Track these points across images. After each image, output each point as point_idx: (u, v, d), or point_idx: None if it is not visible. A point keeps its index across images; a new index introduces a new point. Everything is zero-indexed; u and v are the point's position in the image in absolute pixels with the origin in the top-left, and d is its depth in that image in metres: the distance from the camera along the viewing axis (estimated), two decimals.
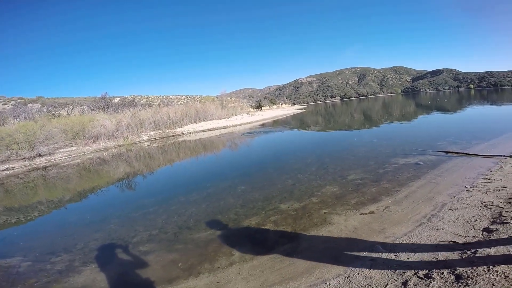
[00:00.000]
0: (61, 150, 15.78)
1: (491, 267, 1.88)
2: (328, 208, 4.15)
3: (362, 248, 2.77)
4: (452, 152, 6.32)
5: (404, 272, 2.12)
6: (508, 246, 2.15)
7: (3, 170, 12.25)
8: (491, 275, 1.80)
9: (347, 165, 6.62)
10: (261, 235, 3.60)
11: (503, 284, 1.69)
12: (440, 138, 8.51)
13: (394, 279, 2.07)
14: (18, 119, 20.39)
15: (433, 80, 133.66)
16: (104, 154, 15.62)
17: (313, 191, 5.04)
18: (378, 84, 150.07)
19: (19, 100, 39.85)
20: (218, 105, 32.49)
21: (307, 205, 4.40)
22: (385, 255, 2.50)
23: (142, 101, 42.27)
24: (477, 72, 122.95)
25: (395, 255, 2.45)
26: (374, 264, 2.38)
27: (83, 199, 7.16)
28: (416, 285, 1.92)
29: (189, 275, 2.88)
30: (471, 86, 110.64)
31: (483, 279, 1.77)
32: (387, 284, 2.02)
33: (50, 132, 15.29)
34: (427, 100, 40.61)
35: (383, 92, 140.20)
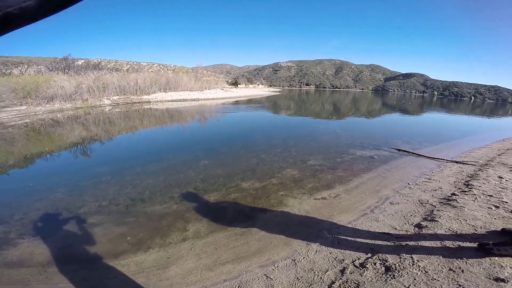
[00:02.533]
0: (8, 109, 13.91)
1: (415, 261, 2.13)
2: (285, 190, 4.30)
3: (310, 232, 2.94)
4: (403, 151, 6.89)
5: (343, 260, 2.31)
6: (432, 241, 2.44)
7: None
8: (414, 269, 2.04)
9: (309, 150, 6.86)
10: (218, 212, 3.61)
11: (422, 279, 1.93)
12: (396, 136, 9.22)
13: (334, 266, 2.24)
14: None
15: (403, 83, 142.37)
16: (58, 115, 14.13)
17: (274, 172, 5.16)
18: (352, 79, 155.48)
19: None
20: (192, 76, 30.97)
21: (267, 185, 4.50)
22: (329, 242, 2.68)
23: (109, 65, 38.64)
24: (444, 81, 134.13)
25: (338, 242, 2.65)
26: (318, 249, 2.54)
27: (28, 164, 6.38)
28: (352, 273, 2.10)
29: (137, 250, 2.79)
30: (435, 93, 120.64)
31: (407, 273, 2.01)
32: (327, 270, 2.19)
33: None
34: (393, 101, 43.34)
35: (355, 87, 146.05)
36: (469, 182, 4.24)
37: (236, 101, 25.24)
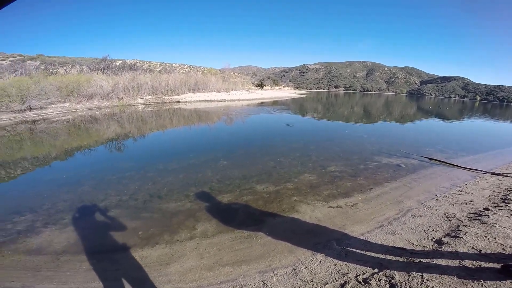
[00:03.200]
0: (53, 106, 15.41)
1: (425, 280, 1.92)
2: (300, 196, 4.18)
3: (318, 241, 2.81)
4: (435, 160, 6.35)
5: (346, 274, 2.18)
6: (449, 259, 2.19)
7: None
8: None
9: (331, 156, 6.63)
10: (229, 213, 3.62)
11: None
12: (429, 144, 8.53)
13: (335, 279, 2.12)
14: (14, 75, 19.60)
15: (441, 86, 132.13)
16: (97, 112, 15.35)
17: (290, 176, 5.06)
18: (385, 82, 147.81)
19: (18, 57, 38.29)
20: (219, 78, 31.74)
21: (281, 189, 4.42)
22: (336, 253, 2.54)
23: (143, 66, 41.06)
24: (488, 85, 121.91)
25: (345, 254, 2.50)
26: (323, 260, 2.42)
27: (65, 157, 6.97)
28: None
29: (146, 244, 2.90)
30: (478, 97, 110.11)
31: None
32: (327, 283, 2.08)
33: (44, 88, 14.85)
34: (429, 105, 40.34)
35: (388, 90, 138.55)
36: (508, 196, 3.78)
37: (261, 103, 25.30)
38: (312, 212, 3.58)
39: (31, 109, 14.01)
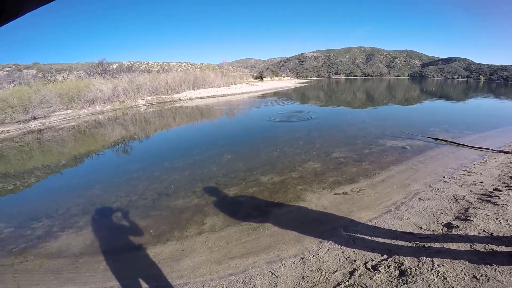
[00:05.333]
0: (56, 113, 15.54)
1: (435, 266, 1.91)
2: (305, 184, 4.20)
3: (325, 230, 2.82)
4: (441, 140, 6.27)
5: (354, 261, 2.19)
6: (460, 243, 2.18)
7: None
8: (432, 275, 1.84)
9: (335, 142, 6.61)
10: (235, 206, 3.67)
11: (438, 286, 1.73)
12: (434, 124, 8.41)
13: (344, 266, 2.13)
14: (12, 85, 19.75)
15: (443, 68, 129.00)
16: (100, 117, 15.45)
17: (295, 165, 5.08)
18: (385, 66, 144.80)
19: (14, 66, 38.40)
20: (218, 73, 31.54)
21: (286, 179, 4.45)
22: (343, 240, 2.55)
23: (141, 67, 40.98)
24: (491, 65, 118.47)
25: (353, 241, 2.51)
26: (331, 248, 2.44)
27: (74, 163, 7.09)
28: (361, 275, 1.98)
29: (157, 242, 2.96)
30: (481, 77, 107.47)
31: (422, 279, 1.82)
32: (335, 271, 2.09)
33: (45, 96, 14.94)
34: (432, 87, 39.55)
35: (389, 74, 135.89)
36: None
37: (263, 95, 25.13)
38: (318, 200, 3.60)
39: (35, 118, 14.17)
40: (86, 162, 7.06)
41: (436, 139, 6.39)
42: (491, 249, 2.05)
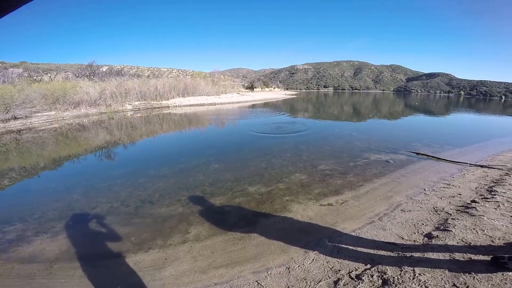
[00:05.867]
0: (39, 114, 14.98)
1: (417, 275, 1.98)
2: (291, 195, 4.22)
3: (310, 240, 2.84)
4: (422, 154, 6.52)
5: (339, 271, 2.21)
6: (440, 253, 2.26)
7: None
8: (413, 284, 1.90)
9: (321, 154, 6.71)
10: (221, 216, 3.62)
11: None
12: (416, 139, 8.75)
13: (328, 276, 2.15)
14: None
15: (427, 83, 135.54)
16: (84, 120, 15.04)
17: (282, 177, 5.10)
18: (372, 80, 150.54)
19: (0, 64, 37.08)
20: (209, 81, 31.67)
21: (273, 190, 4.46)
22: (328, 250, 2.58)
23: (131, 71, 40.52)
24: (471, 80, 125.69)
25: (337, 251, 2.54)
26: (316, 258, 2.46)
27: (53, 166, 6.84)
28: (345, 285, 2.01)
29: (139, 250, 2.87)
30: (462, 93, 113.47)
31: (404, 287, 1.86)
32: (320, 281, 2.10)
33: (29, 96, 14.41)
34: (416, 102, 41.34)
35: (375, 88, 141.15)
36: (493, 188, 3.91)
37: (253, 105, 25.36)
38: (303, 211, 3.62)
39: (15, 118, 13.61)
40: (66, 165, 6.79)
41: (418, 153, 6.64)
42: (469, 258, 2.14)
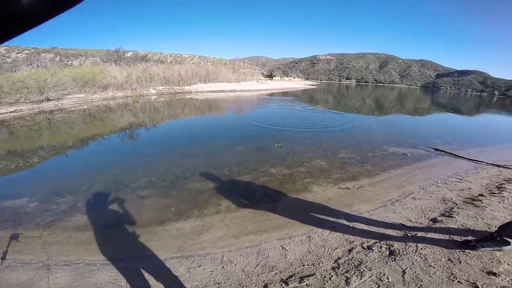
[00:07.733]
0: (69, 96, 16.01)
1: (419, 249, 2.35)
2: (312, 178, 4.62)
3: (329, 215, 3.25)
4: (440, 150, 6.62)
5: (353, 242, 2.62)
6: (441, 234, 2.59)
7: (11, 112, 12.43)
8: (415, 256, 2.28)
9: (341, 144, 7.01)
10: (248, 192, 4.07)
11: (419, 264, 2.17)
12: (437, 136, 8.74)
13: (343, 245, 2.57)
14: (30, 67, 20.28)
15: (458, 80, 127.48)
16: (111, 102, 15.90)
17: (303, 161, 5.49)
18: (399, 74, 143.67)
19: (33, 49, 38.90)
20: (229, 68, 31.99)
21: (294, 172, 4.86)
22: (344, 225, 2.98)
23: (155, 57, 41.39)
24: (508, 80, 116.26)
25: (352, 227, 2.94)
26: (333, 231, 2.86)
27: (88, 144, 7.24)
28: (358, 253, 2.42)
29: (179, 218, 3.34)
30: (496, 92, 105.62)
31: (408, 258, 2.26)
32: (336, 248, 2.52)
33: (61, 80, 15.43)
34: (443, 99, 39.45)
35: (402, 82, 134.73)
36: (503, 185, 4.08)
37: (271, 93, 25.49)
38: (323, 192, 4.02)
39: (48, 100, 14.61)
40: (102, 143, 7.23)
41: (436, 149, 6.74)
42: (466, 239, 2.46)
